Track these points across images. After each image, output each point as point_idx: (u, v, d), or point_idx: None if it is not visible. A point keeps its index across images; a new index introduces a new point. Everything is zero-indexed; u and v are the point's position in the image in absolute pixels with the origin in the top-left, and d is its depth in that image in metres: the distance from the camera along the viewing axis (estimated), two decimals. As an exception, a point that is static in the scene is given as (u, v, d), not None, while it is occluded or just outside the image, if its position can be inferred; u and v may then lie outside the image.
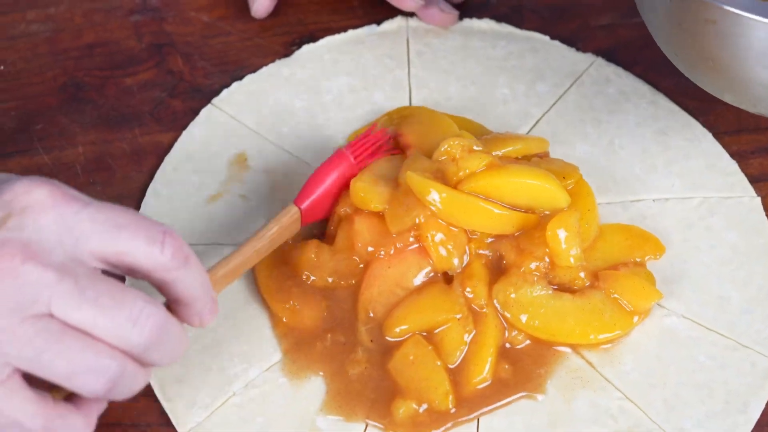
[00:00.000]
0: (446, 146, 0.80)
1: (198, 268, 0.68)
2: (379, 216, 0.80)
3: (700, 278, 0.82)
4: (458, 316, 0.78)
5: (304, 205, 0.80)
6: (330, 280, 0.80)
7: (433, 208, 0.78)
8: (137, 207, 0.85)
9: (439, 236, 0.78)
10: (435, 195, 0.78)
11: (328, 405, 0.77)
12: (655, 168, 0.87)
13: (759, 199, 0.86)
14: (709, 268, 0.82)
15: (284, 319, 0.80)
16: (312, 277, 0.80)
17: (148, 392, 0.77)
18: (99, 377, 0.64)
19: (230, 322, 0.80)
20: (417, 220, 0.78)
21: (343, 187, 0.81)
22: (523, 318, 0.78)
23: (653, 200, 0.86)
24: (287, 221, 0.80)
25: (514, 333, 0.78)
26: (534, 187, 0.80)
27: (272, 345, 0.79)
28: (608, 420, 0.76)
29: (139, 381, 0.67)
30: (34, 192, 0.65)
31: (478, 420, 0.76)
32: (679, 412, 0.76)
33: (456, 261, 0.79)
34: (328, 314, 0.80)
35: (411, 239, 0.79)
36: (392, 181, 0.80)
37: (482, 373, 0.77)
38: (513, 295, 0.78)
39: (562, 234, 0.78)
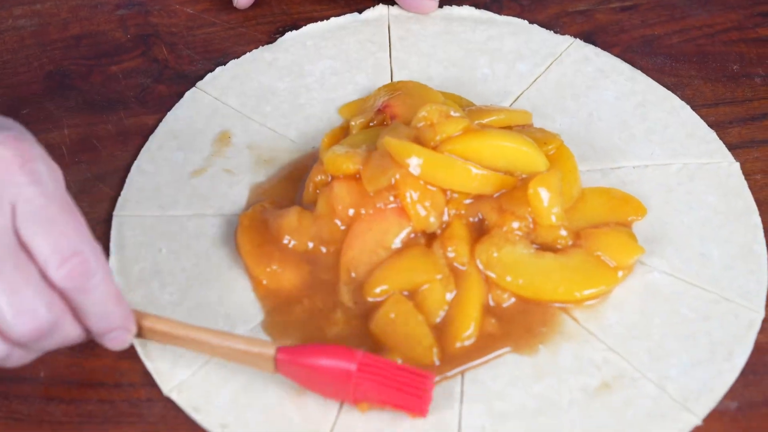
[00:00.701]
0: (424, 112, 0.81)
1: (100, 301, 0.68)
2: (357, 179, 0.80)
3: (681, 238, 0.82)
4: (439, 277, 0.78)
5: (283, 354, 0.73)
6: (310, 245, 0.80)
7: (411, 170, 0.78)
8: (122, 183, 0.86)
9: (416, 195, 0.78)
10: (413, 156, 0.78)
11: None
12: (635, 137, 0.88)
13: (738, 164, 0.86)
14: (690, 228, 0.83)
15: (264, 282, 0.80)
16: (293, 242, 0.80)
17: (131, 354, 0.77)
18: None
19: (214, 286, 0.80)
20: (393, 180, 0.78)
21: (337, 389, 0.73)
22: (508, 277, 0.78)
23: (633, 167, 0.86)
24: (256, 350, 0.73)
25: (498, 292, 0.78)
26: (511, 150, 0.80)
27: (255, 307, 0.79)
28: (592, 369, 0.76)
29: (29, 358, 0.69)
30: None
31: (463, 373, 0.76)
32: (664, 362, 0.76)
33: (433, 219, 0.79)
34: (310, 279, 0.80)
35: (391, 198, 0.79)
36: (368, 149, 0.81)
37: (468, 330, 0.77)
38: (495, 254, 0.79)
39: (543, 193, 0.79)
